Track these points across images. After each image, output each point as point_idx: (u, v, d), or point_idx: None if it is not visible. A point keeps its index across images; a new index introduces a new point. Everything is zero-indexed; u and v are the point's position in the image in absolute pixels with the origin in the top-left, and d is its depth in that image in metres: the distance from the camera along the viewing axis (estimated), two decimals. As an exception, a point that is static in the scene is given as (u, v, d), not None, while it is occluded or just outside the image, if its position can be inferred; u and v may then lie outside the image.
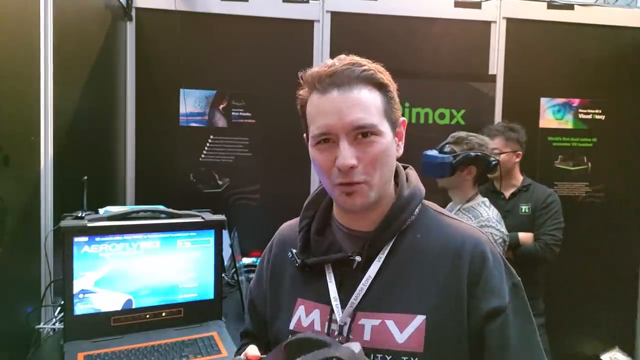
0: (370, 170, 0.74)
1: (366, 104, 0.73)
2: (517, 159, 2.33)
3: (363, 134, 0.73)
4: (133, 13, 2.46)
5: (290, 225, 0.94)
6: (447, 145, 1.86)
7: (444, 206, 0.89)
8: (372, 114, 0.73)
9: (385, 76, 0.77)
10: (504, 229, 1.77)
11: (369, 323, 0.75)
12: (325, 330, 0.78)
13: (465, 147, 1.84)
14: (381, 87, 0.76)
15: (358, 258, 0.77)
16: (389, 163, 0.77)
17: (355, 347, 0.62)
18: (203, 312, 1.47)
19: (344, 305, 0.77)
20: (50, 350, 1.36)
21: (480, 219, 1.74)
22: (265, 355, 0.71)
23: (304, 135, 0.82)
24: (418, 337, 0.73)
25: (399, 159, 0.83)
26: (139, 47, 2.48)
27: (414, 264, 0.77)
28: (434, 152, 1.85)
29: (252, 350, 0.72)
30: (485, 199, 1.87)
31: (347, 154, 0.72)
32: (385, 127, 0.75)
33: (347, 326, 0.76)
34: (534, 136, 2.62)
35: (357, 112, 0.72)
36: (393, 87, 0.78)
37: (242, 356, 0.71)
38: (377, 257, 0.78)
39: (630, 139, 2.73)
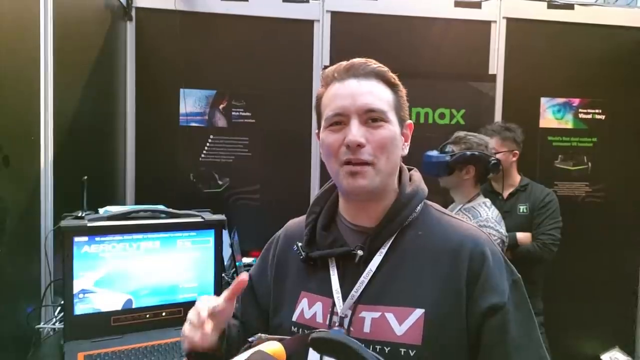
0: (377, 152, 0.77)
1: (378, 93, 0.79)
2: (514, 159, 2.33)
3: (373, 119, 0.78)
4: (133, 13, 2.46)
5: (296, 223, 0.96)
6: (448, 145, 1.87)
7: (445, 207, 0.91)
8: (383, 102, 0.79)
9: (397, 79, 0.83)
10: (502, 230, 1.76)
11: (369, 315, 0.77)
12: (327, 322, 0.80)
13: (463, 147, 1.84)
14: (392, 85, 0.82)
15: (360, 252, 0.79)
16: (395, 152, 0.80)
17: None
18: (203, 312, 1.47)
19: (345, 298, 0.79)
20: (50, 350, 1.36)
21: (479, 219, 1.73)
22: (286, 337, 0.68)
23: (316, 132, 0.87)
24: (417, 330, 0.74)
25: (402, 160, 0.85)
26: (139, 47, 2.48)
27: (415, 260, 0.79)
28: (433, 152, 1.87)
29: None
30: (487, 200, 1.87)
31: (356, 132, 0.76)
32: (393, 117, 0.80)
33: (348, 318, 0.78)
34: (534, 136, 2.63)
35: (369, 98, 0.78)
36: (403, 89, 0.84)
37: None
38: (379, 252, 0.80)
39: (630, 139, 2.73)
